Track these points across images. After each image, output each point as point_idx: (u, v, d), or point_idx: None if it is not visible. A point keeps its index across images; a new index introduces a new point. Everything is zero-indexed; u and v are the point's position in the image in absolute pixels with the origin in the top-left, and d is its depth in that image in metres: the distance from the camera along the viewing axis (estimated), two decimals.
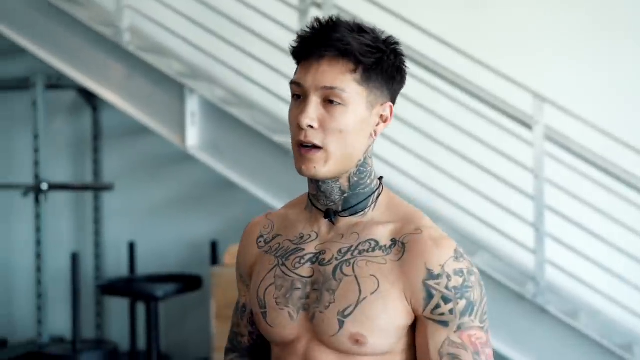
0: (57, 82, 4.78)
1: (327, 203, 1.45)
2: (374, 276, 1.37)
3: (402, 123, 4.00)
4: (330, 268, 1.41)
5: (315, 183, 1.44)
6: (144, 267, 5.00)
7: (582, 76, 4.44)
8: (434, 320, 1.35)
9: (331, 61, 1.37)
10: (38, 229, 4.59)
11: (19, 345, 4.98)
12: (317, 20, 1.40)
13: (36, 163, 4.62)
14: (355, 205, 1.44)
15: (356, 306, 1.36)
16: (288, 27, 4.12)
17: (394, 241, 1.40)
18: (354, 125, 1.39)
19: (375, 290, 1.36)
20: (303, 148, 1.38)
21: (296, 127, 1.39)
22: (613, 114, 4.29)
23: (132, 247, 4.88)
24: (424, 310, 1.36)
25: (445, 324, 1.35)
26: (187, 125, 4.22)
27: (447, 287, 1.35)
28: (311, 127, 1.38)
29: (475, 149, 4.07)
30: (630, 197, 4.03)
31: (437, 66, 3.93)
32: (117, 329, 5.15)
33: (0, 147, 5.40)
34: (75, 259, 4.37)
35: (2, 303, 5.38)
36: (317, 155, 1.38)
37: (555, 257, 3.98)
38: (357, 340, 1.36)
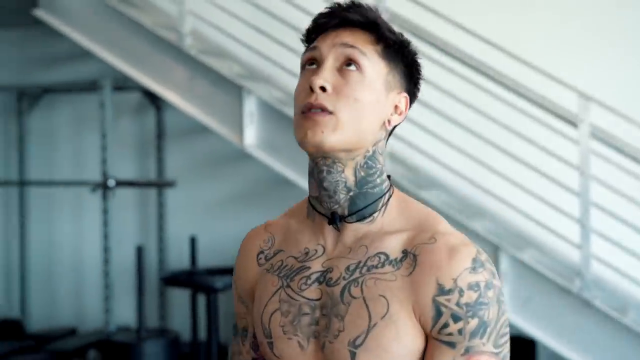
0: (123, 84, 5.03)
1: (330, 205, 1.27)
2: (383, 296, 1.20)
3: (454, 123, 4.13)
4: (338, 289, 1.24)
5: (318, 176, 1.26)
6: (204, 260, 5.22)
7: (627, 74, 4.50)
8: (440, 341, 1.18)
9: (353, 30, 1.25)
10: (105, 224, 4.85)
11: (88, 333, 5.25)
12: (337, 3, 1.28)
13: (104, 161, 4.87)
14: (363, 208, 1.26)
15: (367, 334, 1.19)
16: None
17: (405, 253, 1.23)
18: (369, 99, 1.23)
19: (385, 314, 1.20)
20: (310, 112, 1.21)
21: (306, 91, 1.23)
22: None
23: (193, 241, 5.11)
24: (431, 330, 1.19)
25: (452, 345, 1.18)
26: (245, 125, 4.41)
27: (457, 304, 1.17)
28: (324, 89, 1.21)
29: (522, 148, 4.18)
30: None
31: (485, 67, 4.05)
32: (179, 319, 5.39)
33: (69, 146, 5.69)
34: (140, 252, 4.61)
35: (72, 294, 5.67)
36: (326, 119, 1.20)
37: (600, 252, 4.06)
38: None
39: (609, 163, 4.08)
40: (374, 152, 1.27)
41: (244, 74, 4.71)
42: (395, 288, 1.20)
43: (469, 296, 1.17)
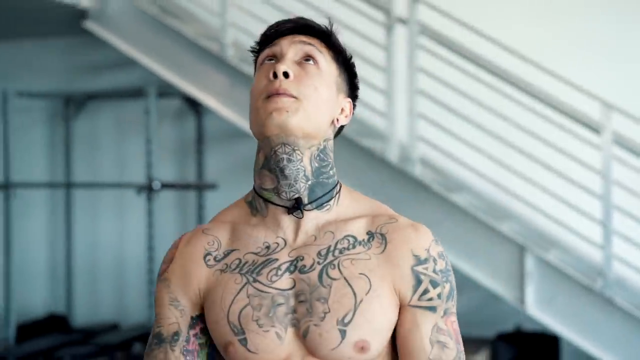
0: (165, 91, 5.30)
1: (290, 195, 1.31)
2: (364, 274, 1.27)
3: (482, 130, 4.37)
4: (314, 274, 1.28)
5: (277, 165, 1.30)
6: None
7: None
8: (422, 307, 1.28)
9: (308, 36, 1.35)
10: (150, 224, 5.11)
11: (131, 328, 5.52)
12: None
13: (149, 165, 5.14)
14: (322, 196, 1.32)
15: (355, 311, 1.25)
16: (375, 41, 4.52)
17: (370, 234, 1.31)
18: (326, 92, 1.32)
19: (369, 290, 1.27)
20: (275, 96, 1.27)
21: (267, 80, 1.29)
22: None
23: None
24: (411, 298, 1.28)
25: (433, 309, 1.28)
26: None
27: (434, 271, 1.29)
28: (287, 75, 1.28)
29: (548, 153, 4.39)
30: None
31: (512, 76, 4.28)
32: None
33: (112, 149, 5.98)
34: None
35: (114, 291, 5.95)
36: (291, 101, 1.27)
37: (621, 253, 4.27)
38: (362, 348, 1.26)
39: (630, 168, 4.29)
40: (324, 147, 1.33)
41: None
42: (372, 265, 1.28)
43: (441, 264, 1.30)
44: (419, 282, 1.28)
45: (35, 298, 6.10)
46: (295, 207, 1.30)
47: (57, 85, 5.99)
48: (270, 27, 1.37)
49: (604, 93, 4.28)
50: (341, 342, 1.24)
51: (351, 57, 1.39)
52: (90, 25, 5.12)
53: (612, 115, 4.11)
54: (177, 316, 1.33)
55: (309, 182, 1.31)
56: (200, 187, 5.34)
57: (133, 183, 5.32)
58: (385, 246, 1.30)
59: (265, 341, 1.26)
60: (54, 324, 5.75)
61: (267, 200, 1.32)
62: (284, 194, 1.30)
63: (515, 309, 4.34)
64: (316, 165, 1.31)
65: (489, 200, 4.77)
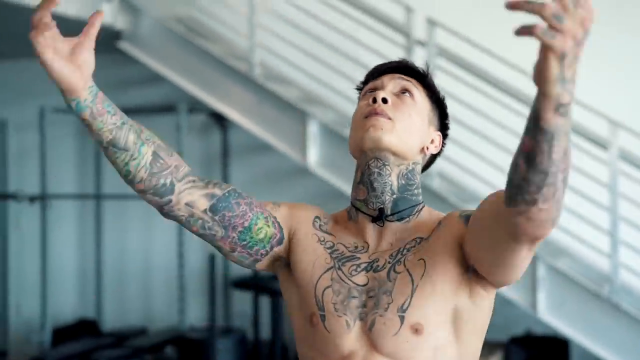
0: (193, 106, 5.59)
1: (376, 205, 1.45)
2: (422, 259, 1.40)
3: (495, 145, 4.65)
4: (384, 272, 1.41)
5: (369, 178, 1.45)
6: None
7: None
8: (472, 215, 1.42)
9: (406, 75, 1.52)
10: (180, 232, 5.40)
11: (161, 332, 5.80)
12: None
13: None
14: (403, 210, 1.46)
15: (412, 296, 1.37)
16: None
17: (432, 230, 1.45)
18: (418, 120, 1.47)
19: (423, 274, 1.38)
20: (374, 115, 1.44)
21: (368, 105, 1.46)
22: None
23: None
24: (466, 226, 1.40)
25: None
26: (309, 145, 4.95)
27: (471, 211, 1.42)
28: (385, 101, 1.45)
29: None
30: None
31: (524, 95, 4.57)
32: (240, 320, 5.93)
33: None
34: (212, 259, 5.15)
35: (142, 297, 6.24)
36: (387, 122, 1.43)
37: (628, 261, 4.56)
38: (416, 330, 1.36)
39: (635, 181, 4.58)
40: (413, 168, 1.48)
41: (306, 98, 5.25)
42: (430, 245, 1.41)
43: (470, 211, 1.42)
44: (467, 217, 1.41)
45: (66, 304, 6.39)
46: (379, 216, 1.45)
47: None
48: (375, 67, 1.57)
49: (610, 111, 4.57)
50: (400, 327, 1.35)
51: (444, 98, 1.56)
52: (124, 45, 5.42)
53: (618, 132, 4.40)
54: (273, 210, 1.50)
55: (394, 196, 1.45)
56: None
57: None
58: (440, 226, 1.44)
59: (337, 325, 1.39)
60: (85, 328, 6.03)
61: (358, 210, 1.48)
62: (371, 204, 1.46)
63: (526, 313, 4.61)
64: (403, 182, 1.46)
65: None
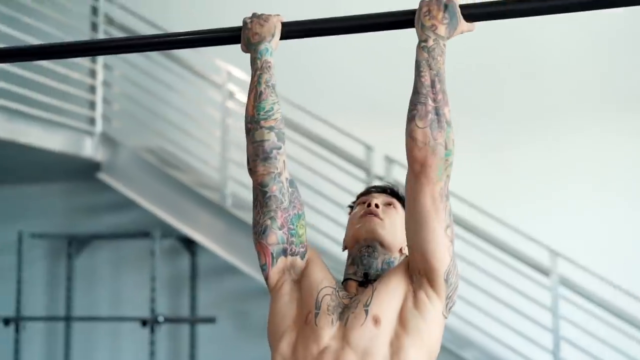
0: (164, 231, 5.96)
1: (363, 272, 1.83)
2: (383, 276, 1.80)
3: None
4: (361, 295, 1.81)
5: (361, 260, 1.83)
6: None
7: (590, 230, 5.54)
8: None
9: (387, 196, 1.94)
10: (152, 353, 5.67)
11: None
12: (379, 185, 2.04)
13: (152, 300, 5.75)
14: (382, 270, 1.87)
15: (372, 295, 1.74)
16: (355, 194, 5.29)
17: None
18: (400, 225, 1.84)
19: (382, 280, 1.77)
20: (370, 214, 1.84)
21: (365, 208, 1.87)
22: (616, 263, 5.37)
23: None
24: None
25: None
26: None
27: None
28: (377, 206, 1.86)
29: (504, 292, 5.14)
30: (629, 331, 5.06)
31: (476, 230, 5.07)
32: None
33: (109, 285, 6.57)
34: None
35: None
36: (379, 221, 1.85)
37: None
38: (376, 321, 1.70)
39: (575, 305, 5.06)
40: (393, 261, 1.86)
41: None
42: (389, 271, 1.80)
43: None
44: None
45: None
46: (364, 281, 1.82)
47: (61, 226, 6.61)
48: (367, 188, 2.02)
49: (551, 241, 5.09)
50: (365, 318, 1.70)
51: None
52: (102, 176, 5.82)
53: (558, 260, 4.92)
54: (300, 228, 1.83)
55: (377, 272, 1.83)
56: (202, 320, 5.91)
57: (137, 317, 5.86)
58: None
59: (325, 321, 1.73)
60: None
61: (347, 280, 1.86)
62: (359, 272, 1.84)
63: None
64: (385, 267, 1.84)
65: (454, 331, 5.47)
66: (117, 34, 6.00)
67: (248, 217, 5.50)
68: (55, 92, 5.64)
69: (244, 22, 1.87)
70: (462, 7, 1.73)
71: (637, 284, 5.15)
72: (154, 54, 5.89)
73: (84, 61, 5.83)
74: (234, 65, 5.63)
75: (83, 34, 5.95)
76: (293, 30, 1.87)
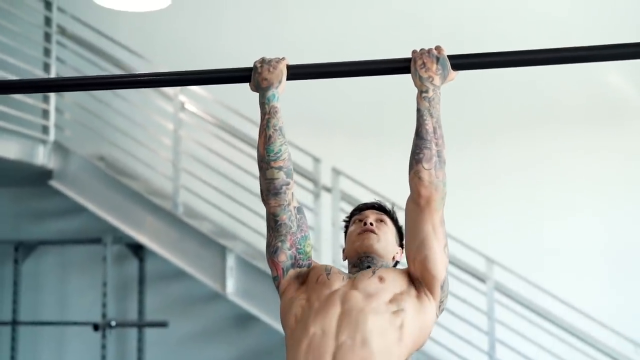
0: (114, 237, 6.10)
1: (366, 267, 2.16)
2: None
3: None
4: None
5: (361, 264, 2.14)
6: None
7: (523, 237, 5.93)
8: None
9: (378, 211, 2.26)
10: (104, 357, 5.81)
11: None
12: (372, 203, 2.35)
13: (104, 304, 5.89)
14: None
15: (377, 269, 2.08)
16: (305, 205, 5.54)
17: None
18: (391, 238, 2.19)
19: (385, 268, 2.12)
20: (366, 232, 2.16)
21: (362, 225, 2.19)
22: (547, 270, 5.77)
23: None
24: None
25: None
26: (227, 276, 5.56)
27: None
28: (372, 224, 2.18)
29: None
30: (555, 332, 5.46)
31: None
32: None
33: (56, 289, 6.66)
34: None
35: None
36: (375, 236, 2.16)
37: None
38: (381, 278, 2.03)
39: (510, 310, 5.44)
40: (389, 264, 2.19)
41: (221, 233, 5.87)
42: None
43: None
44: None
45: None
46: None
47: (9, 232, 6.67)
48: (359, 206, 2.32)
49: (487, 250, 5.46)
50: (372, 275, 2.04)
51: (401, 226, 2.26)
52: (54, 183, 5.92)
53: (494, 268, 5.28)
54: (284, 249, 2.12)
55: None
56: (153, 324, 6.05)
57: (88, 321, 5.98)
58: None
59: (336, 277, 2.06)
60: None
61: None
62: (362, 268, 2.15)
63: None
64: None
65: None
66: (70, 44, 6.12)
67: (199, 225, 5.71)
68: (8, 100, 5.73)
69: (255, 66, 2.12)
70: (449, 57, 2.01)
71: (566, 288, 5.57)
72: (108, 66, 6.04)
73: (36, 70, 5.92)
74: None
75: (36, 44, 6.05)
76: (298, 73, 2.11)
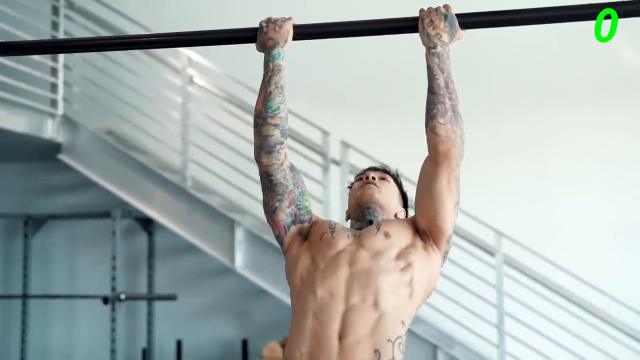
0: (123, 212, 6.11)
1: (368, 222, 2.18)
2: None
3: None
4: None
5: (362, 216, 2.17)
6: None
7: (535, 213, 5.91)
8: None
9: (381, 173, 2.28)
10: (113, 330, 5.84)
11: None
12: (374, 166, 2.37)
13: (113, 278, 5.91)
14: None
15: (381, 224, 2.09)
16: (314, 178, 5.53)
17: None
18: (393, 193, 2.22)
19: (389, 221, 2.13)
20: (368, 183, 2.19)
21: (364, 179, 2.22)
22: (557, 243, 5.75)
23: (179, 344, 6.13)
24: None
25: None
26: (236, 250, 5.57)
27: None
28: (374, 178, 2.21)
29: (452, 270, 5.48)
30: (564, 305, 5.45)
31: None
32: None
33: (66, 263, 6.69)
34: (145, 353, 5.60)
35: None
36: (376, 188, 2.18)
37: (513, 351, 5.36)
38: (386, 234, 2.04)
39: (519, 283, 5.42)
40: (391, 219, 2.20)
41: (229, 207, 5.87)
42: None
43: None
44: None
45: None
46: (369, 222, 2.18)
47: (19, 206, 6.69)
48: (364, 168, 2.33)
49: (496, 223, 5.44)
50: (377, 232, 2.06)
51: (405, 192, 2.32)
52: (63, 157, 5.93)
53: (503, 241, 5.26)
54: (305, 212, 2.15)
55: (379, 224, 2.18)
56: (163, 297, 6.08)
57: (98, 295, 6.01)
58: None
59: (341, 235, 2.07)
60: None
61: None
62: (364, 224, 2.17)
63: None
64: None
65: None
66: (78, 17, 6.11)
67: (208, 198, 5.71)
68: (17, 74, 5.72)
69: (260, 26, 2.10)
70: (457, 15, 1.99)
71: (575, 262, 5.55)
72: None
73: None
74: (194, 50, 5.83)
75: (44, 17, 6.04)
76: (304, 33, 2.09)
